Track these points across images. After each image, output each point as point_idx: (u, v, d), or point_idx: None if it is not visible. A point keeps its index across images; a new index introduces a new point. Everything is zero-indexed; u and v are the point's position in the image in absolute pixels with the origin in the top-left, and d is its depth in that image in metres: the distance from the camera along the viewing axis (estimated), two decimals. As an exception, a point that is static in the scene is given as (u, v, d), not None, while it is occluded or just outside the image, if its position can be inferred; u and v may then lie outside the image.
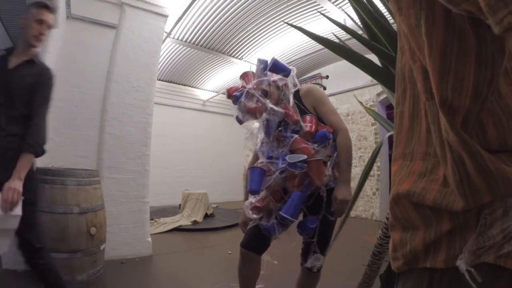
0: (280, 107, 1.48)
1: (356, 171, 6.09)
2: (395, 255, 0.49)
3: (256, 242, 1.51)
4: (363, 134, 6.07)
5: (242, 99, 1.45)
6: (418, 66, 0.42)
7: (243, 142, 7.77)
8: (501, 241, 0.38)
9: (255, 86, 1.48)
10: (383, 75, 1.10)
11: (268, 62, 1.52)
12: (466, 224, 0.41)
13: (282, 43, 5.30)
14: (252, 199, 1.51)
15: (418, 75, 0.43)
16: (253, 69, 1.62)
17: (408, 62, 0.47)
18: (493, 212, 0.39)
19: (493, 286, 0.39)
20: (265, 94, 1.49)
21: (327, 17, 1.39)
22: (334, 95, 6.49)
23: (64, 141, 2.85)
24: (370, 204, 5.81)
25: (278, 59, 1.53)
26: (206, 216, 5.14)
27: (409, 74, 0.48)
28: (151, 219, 3.97)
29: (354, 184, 1.31)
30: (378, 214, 5.61)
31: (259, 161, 1.58)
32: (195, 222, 4.67)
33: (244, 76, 1.58)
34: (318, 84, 6.57)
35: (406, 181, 0.47)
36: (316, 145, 1.45)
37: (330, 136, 1.46)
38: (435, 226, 0.43)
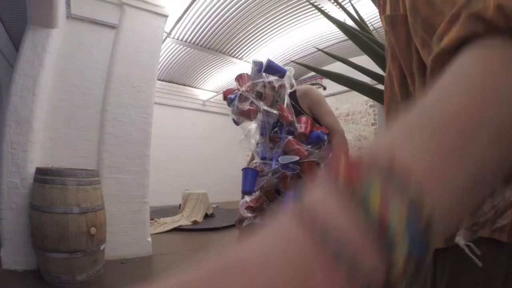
0: (275, 108, 1.48)
1: (356, 171, 6.08)
2: None
3: None
4: (363, 134, 6.07)
5: (236, 101, 1.47)
6: (397, 72, 0.48)
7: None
8: (493, 216, 0.42)
9: (248, 89, 1.50)
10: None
11: (263, 63, 1.53)
12: None
13: (282, 43, 5.30)
14: (247, 198, 1.53)
15: (396, 79, 0.48)
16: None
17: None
18: None
19: (493, 260, 0.42)
20: (260, 96, 1.50)
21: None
22: (334, 95, 6.48)
23: (64, 141, 2.84)
24: (370, 204, 5.80)
25: (278, 59, 1.53)
26: (206, 216, 5.14)
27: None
28: (151, 219, 3.97)
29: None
30: (378, 214, 5.61)
31: (253, 161, 1.60)
32: (195, 222, 4.67)
33: (239, 78, 1.59)
34: (318, 84, 6.57)
35: None
36: (309, 146, 1.45)
37: (325, 138, 1.46)
38: None
